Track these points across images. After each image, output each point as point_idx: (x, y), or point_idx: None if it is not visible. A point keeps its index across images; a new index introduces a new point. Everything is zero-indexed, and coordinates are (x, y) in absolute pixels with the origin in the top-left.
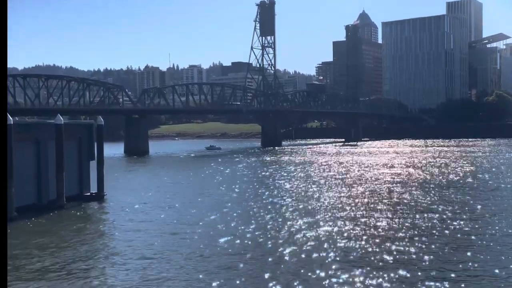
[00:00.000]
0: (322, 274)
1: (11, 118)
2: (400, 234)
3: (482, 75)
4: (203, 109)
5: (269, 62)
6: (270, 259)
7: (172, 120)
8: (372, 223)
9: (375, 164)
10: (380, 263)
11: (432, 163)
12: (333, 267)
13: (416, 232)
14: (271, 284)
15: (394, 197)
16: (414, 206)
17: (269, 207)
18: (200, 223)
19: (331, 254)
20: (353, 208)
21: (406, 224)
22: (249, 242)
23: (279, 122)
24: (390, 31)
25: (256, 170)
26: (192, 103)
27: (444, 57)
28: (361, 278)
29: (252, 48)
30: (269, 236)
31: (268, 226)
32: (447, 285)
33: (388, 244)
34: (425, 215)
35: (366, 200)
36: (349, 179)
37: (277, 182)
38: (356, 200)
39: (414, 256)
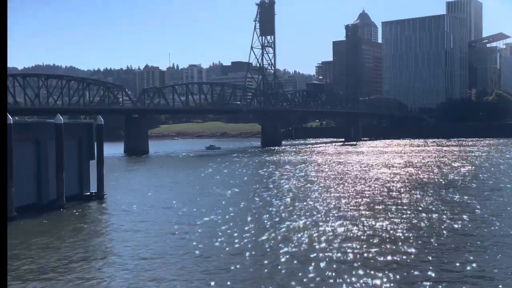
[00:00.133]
0: (320, 274)
1: (11, 118)
2: (398, 234)
3: (482, 74)
4: (203, 108)
5: (269, 61)
6: (269, 259)
7: (172, 119)
8: (370, 224)
9: (375, 164)
10: (378, 264)
11: (432, 163)
12: (331, 267)
13: (414, 232)
14: (270, 284)
15: (392, 197)
16: (413, 206)
17: (269, 206)
18: (200, 223)
19: (329, 254)
20: (352, 208)
21: (404, 224)
22: (248, 242)
23: (279, 122)
24: (390, 30)
25: (255, 170)
26: (192, 102)
27: (444, 56)
28: (360, 279)
29: (252, 47)
30: (268, 236)
31: (267, 226)
32: (445, 286)
33: (386, 245)
34: (424, 215)
35: (364, 200)
36: (348, 179)
37: (277, 182)
38: (355, 200)
39: (411, 257)
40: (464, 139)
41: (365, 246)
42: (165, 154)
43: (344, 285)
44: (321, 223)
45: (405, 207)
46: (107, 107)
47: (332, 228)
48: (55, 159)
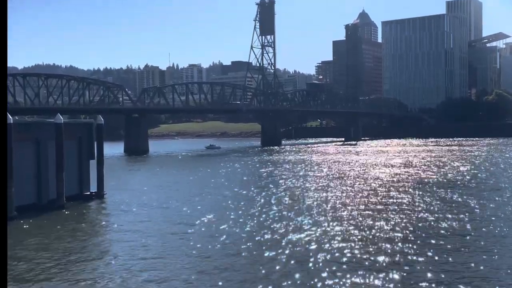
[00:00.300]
0: (319, 275)
1: (11, 118)
2: (397, 234)
3: (482, 74)
4: (203, 108)
5: (269, 61)
6: (268, 260)
7: (172, 119)
8: (369, 224)
9: (374, 164)
10: (377, 265)
11: (432, 163)
12: (330, 268)
13: (414, 233)
14: (268, 284)
15: (391, 197)
16: (412, 206)
17: (268, 206)
18: (200, 223)
19: (328, 254)
20: (351, 208)
21: (404, 224)
22: (248, 242)
23: (278, 122)
24: (390, 30)
25: (255, 169)
26: (192, 102)
27: (444, 56)
28: (359, 279)
29: (252, 47)
30: (267, 236)
31: (267, 226)
32: (445, 286)
33: (384, 245)
34: (423, 215)
35: (363, 200)
36: (348, 179)
37: (276, 182)
38: (354, 200)
39: (410, 257)
40: (464, 138)
41: (363, 246)
42: (165, 154)
43: (343, 285)
44: (320, 223)
45: (404, 207)
46: (107, 107)
47: (331, 228)
48: (55, 158)
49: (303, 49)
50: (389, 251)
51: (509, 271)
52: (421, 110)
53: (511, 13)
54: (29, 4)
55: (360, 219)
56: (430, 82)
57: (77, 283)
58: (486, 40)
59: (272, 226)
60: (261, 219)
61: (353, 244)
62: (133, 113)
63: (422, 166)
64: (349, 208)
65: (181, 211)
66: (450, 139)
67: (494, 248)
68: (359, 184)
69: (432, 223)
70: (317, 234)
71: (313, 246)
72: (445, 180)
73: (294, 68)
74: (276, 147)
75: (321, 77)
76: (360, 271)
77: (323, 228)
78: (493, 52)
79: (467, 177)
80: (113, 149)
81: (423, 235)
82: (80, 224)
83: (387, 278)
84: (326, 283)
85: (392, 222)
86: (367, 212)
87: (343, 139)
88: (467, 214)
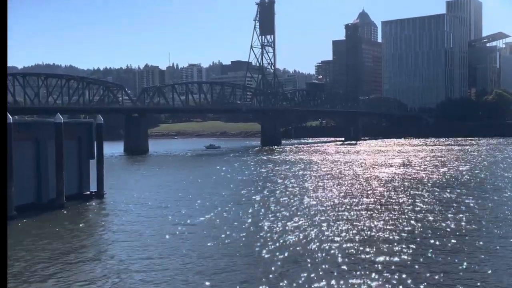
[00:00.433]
0: (317, 275)
1: (11, 117)
2: (396, 235)
3: (481, 74)
4: (202, 108)
5: (268, 61)
6: (268, 259)
7: (172, 119)
8: (368, 224)
9: (374, 163)
10: (376, 265)
11: (431, 162)
12: (328, 268)
13: (413, 233)
14: (267, 284)
15: (390, 197)
16: (411, 206)
17: (267, 206)
18: (199, 223)
19: (326, 255)
20: (350, 208)
21: (402, 224)
22: (247, 242)
23: (278, 121)
24: (389, 30)
25: (255, 169)
26: (192, 102)
27: (444, 56)
28: (358, 280)
29: (251, 47)
30: (267, 236)
31: (266, 226)
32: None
33: (383, 245)
34: (423, 215)
35: (362, 200)
36: (347, 178)
37: (276, 181)
38: (353, 200)
39: (409, 258)
40: (464, 138)
41: (362, 246)
42: (165, 154)
43: (342, 286)
44: (319, 223)
45: (404, 207)
46: (106, 106)
47: (330, 228)
48: (54, 158)
49: (303, 49)
50: (388, 251)
51: (508, 271)
52: (421, 109)
53: (511, 13)
54: (29, 4)
55: (359, 219)
56: (430, 81)
57: (76, 283)
58: (486, 40)
59: (271, 226)
60: (261, 219)
61: (352, 244)
62: (133, 113)
63: (422, 166)
64: (349, 208)
65: (180, 211)
66: (450, 138)
67: (494, 248)
68: (359, 184)
69: (432, 223)
70: (316, 234)
71: (312, 246)
72: (444, 180)
73: (294, 67)
74: (276, 147)
75: (321, 76)
76: (359, 272)
77: (322, 228)
78: (493, 51)
79: (467, 176)
80: (113, 149)
81: (423, 235)
82: (80, 223)
83: (387, 278)
84: (325, 283)
85: (391, 222)
86: (366, 212)
87: (343, 138)
88: (466, 214)
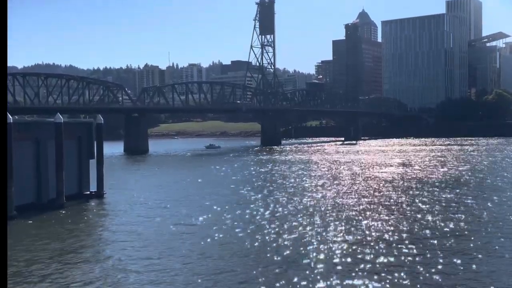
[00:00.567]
0: (316, 276)
1: (10, 117)
2: (396, 235)
3: (481, 74)
4: (202, 107)
5: (268, 60)
6: (267, 260)
7: (172, 119)
8: (367, 224)
9: (373, 163)
10: (376, 265)
11: (431, 162)
12: (327, 269)
13: (412, 233)
14: (265, 284)
15: (390, 197)
16: (411, 206)
17: (267, 206)
18: (199, 223)
19: (325, 255)
20: (349, 208)
21: (402, 224)
22: (246, 243)
23: (278, 121)
24: (389, 30)
25: (255, 169)
26: (192, 101)
27: (444, 56)
28: (357, 281)
29: (251, 46)
30: (266, 236)
31: (266, 226)
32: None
33: (383, 246)
34: (422, 215)
35: (362, 200)
36: (347, 178)
37: (275, 181)
38: (353, 200)
39: (408, 258)
40: (464, 138)
41: (361, 246)
42: (165, 153)
43: (342, 286)
44: (318, 223)
45: (403, 207)
46: (106, 106)
47: (329, 228)
48: (54, 158)
49: (303, 49)
50: (387, 251)
51: (508, 271)
52: (421, 109)
53: (511, 13)
54: (29, 4)
55: (359, 219)
56: (430, 81)
57: (77, 282)
58: (486, 40)
59: (271, 226)
60: (260, 218)
61: (351, 245)
62: (132, 113)
63: (422, 166)
64: (348, 208)
65: (180, 211)
66: (450, 138)
67: (494, 248)
68: (358, 184)
69: (431, 223)
70: (316, 234)
71: (312, 247)
72: (444, 180)
73: (293, 67)
74: (276, 147)
75: (321, 76)
76: (359, 272)
77: (322, 228)
78: (493, 51)
79: (466, 176)
80: (113, 149)
81: (422, 235)
82: (80, 223)
83: (387, 279)
84: (324, 283)
85: (391, 222)
86: (366, 212)
87: (343, 138)
88: (466, 214)
